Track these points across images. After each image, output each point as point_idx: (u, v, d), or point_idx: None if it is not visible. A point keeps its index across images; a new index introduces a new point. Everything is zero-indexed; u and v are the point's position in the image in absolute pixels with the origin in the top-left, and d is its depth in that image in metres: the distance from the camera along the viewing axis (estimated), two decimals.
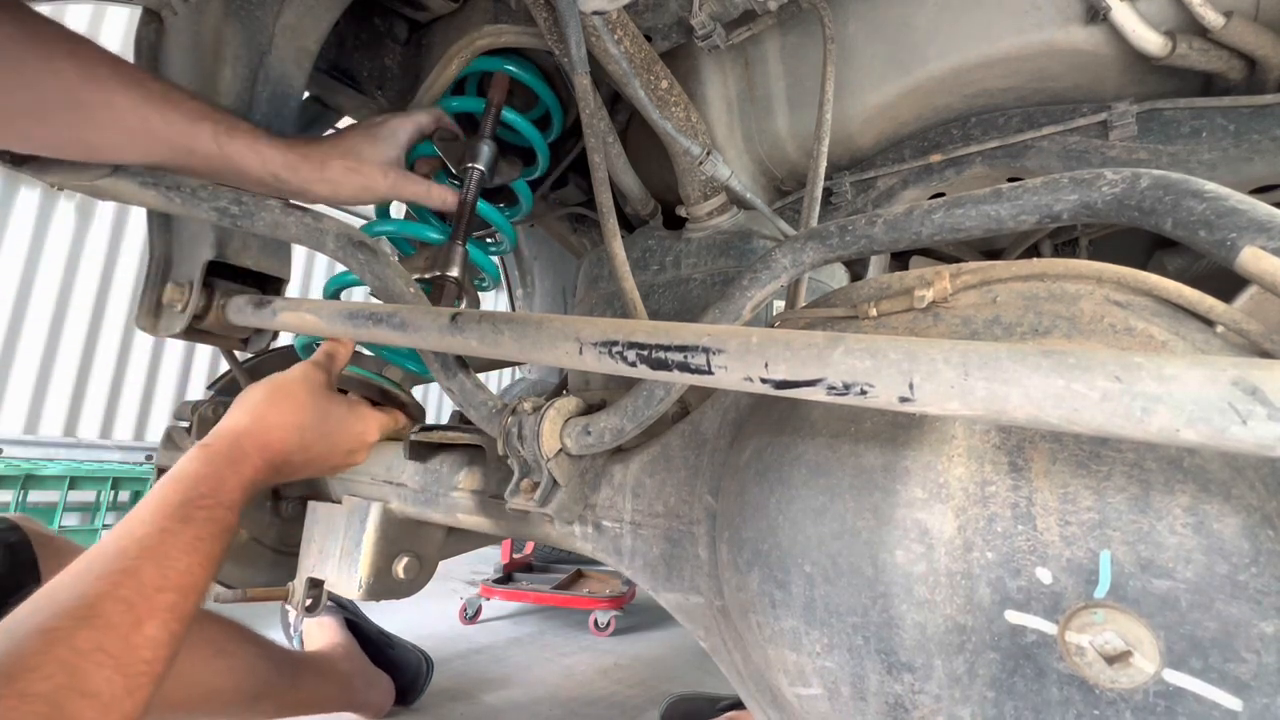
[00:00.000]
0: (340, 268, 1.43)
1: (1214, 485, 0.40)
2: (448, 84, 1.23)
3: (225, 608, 1.08)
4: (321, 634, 1.53)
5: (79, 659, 0.43)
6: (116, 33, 3.71)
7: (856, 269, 1.20)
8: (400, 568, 1.02)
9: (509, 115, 1.16)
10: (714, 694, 1.61)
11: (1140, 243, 1.24)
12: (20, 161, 0.79)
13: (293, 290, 1.38)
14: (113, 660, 0.45)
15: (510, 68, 1.17)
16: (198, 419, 1.28)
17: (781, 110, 1.14)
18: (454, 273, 1.04)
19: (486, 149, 1.09)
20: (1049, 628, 0.42)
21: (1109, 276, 0.50)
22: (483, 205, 1.13)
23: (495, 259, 1.61)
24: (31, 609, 0.46)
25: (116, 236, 3.83)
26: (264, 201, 0.85)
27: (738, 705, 1.50)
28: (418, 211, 1.26)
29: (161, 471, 1.28)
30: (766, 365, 0.46)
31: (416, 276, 1.02)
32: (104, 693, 0.43)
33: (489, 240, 1.50)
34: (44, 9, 0.69)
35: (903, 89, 1.03)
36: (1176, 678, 0.38)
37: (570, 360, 0.59)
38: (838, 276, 1.14)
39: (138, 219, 3.79)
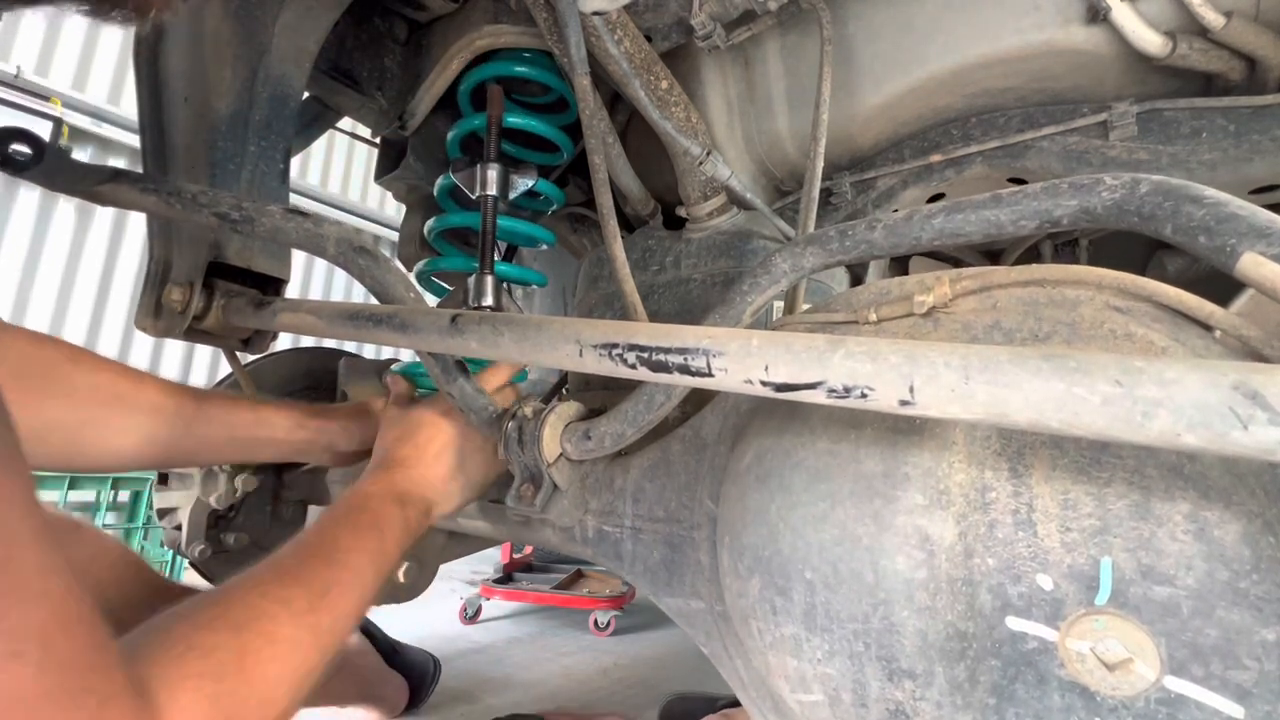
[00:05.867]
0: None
1: (1215, 492, 0.40)
2: (447, 83, 1.23)
3: None
4: None
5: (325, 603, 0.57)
6: (117, 31, 3.71)
7: (857, 270, 1.20)
8: (400, 572, 1.02)
9: (515, 120, 1.16)
10: (713, 694, 1.61)
11: (1140, 243, 1.24)
12: (20, 169, 0.79)
13: (292, 290, 1.38)
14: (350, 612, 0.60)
15: (519, 68, 1.16)
16: None
17: (781, 110, 1.14)
18: (488, 301, 1.04)
19: (494, 172, 1.09)
20: (1050, 634, 0.41)
21: (1109, 282, 0.50)
22: (508, 222, 1.14)
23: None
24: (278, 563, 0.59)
25: (116, 236, 3.84)
26: (264, 207, 0.85)
27: (736, 704, 1.50)
28: (444, 245, 1.28)
29: (162, 476, 1.28)
30: (767, 368, 0.46)
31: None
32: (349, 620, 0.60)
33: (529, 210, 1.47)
34: (45, 9, 0.70)
35: (903, 89, 1.03)
36: (1178, 685, 0.38)
37: (570, 362, 0.59)
38: (838, 278, 1.14)
39: (137, 219, 3.79)
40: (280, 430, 0.90)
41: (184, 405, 0.84)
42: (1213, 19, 0.80)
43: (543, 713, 1.37)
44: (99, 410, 0.78)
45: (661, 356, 0.52)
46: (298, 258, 4.55)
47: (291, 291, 1.22)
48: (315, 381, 1.44)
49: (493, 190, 1.08)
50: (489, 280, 1.05)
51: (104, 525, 3.31)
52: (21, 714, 0.31)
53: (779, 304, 0.98)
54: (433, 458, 0.81)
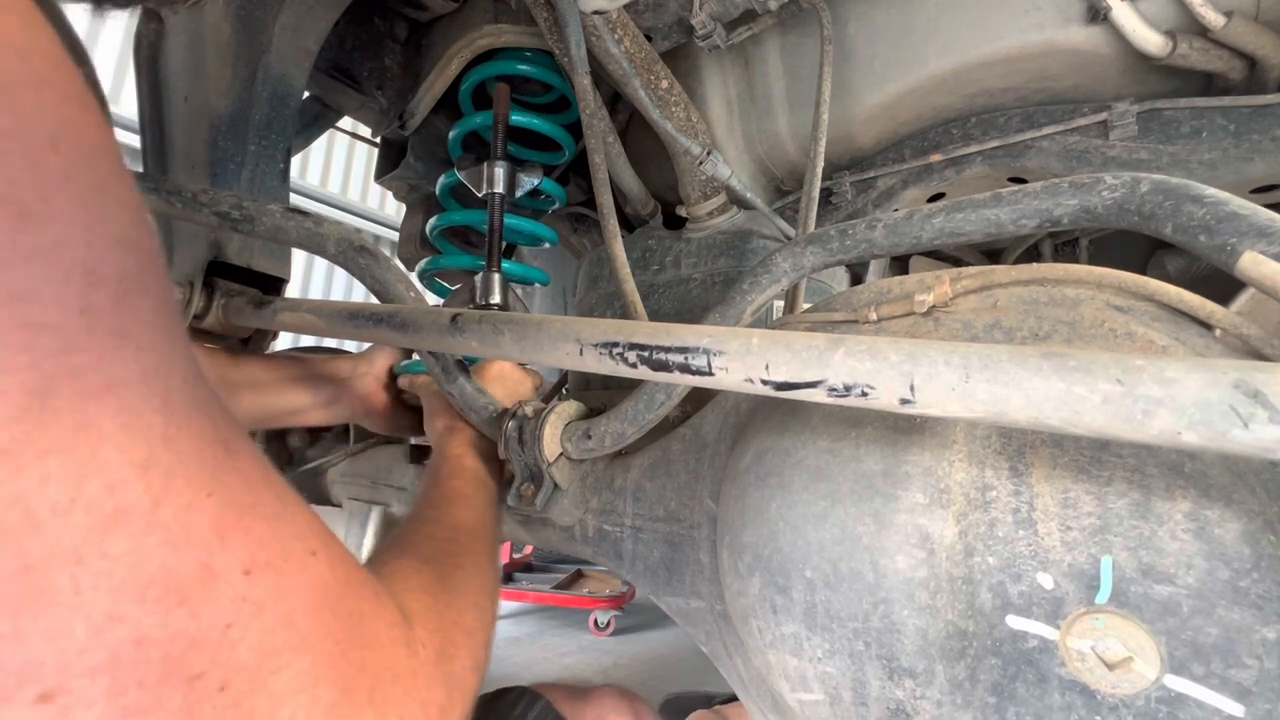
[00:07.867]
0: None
1: (1215, 490, 0.40)
2: (448, 83, 1.22)
3: None
4: None
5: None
6: (117, 31, 3.71)
7: (857, 270, 1.20)
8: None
9: (518, 119, 1.16)
10: (710, 691, 1.61)
11: (1140, 242, 1.24)
12: None
13: (292, 290, 1.38)
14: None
15: (521, 66, 1.16)
16: None
17: (781, 110, 1.14)
18: (495, 300, 1.04)
19: (500, 170, 1.09)
20: (1050, 633, 0.41)
21: (1109, 282, 0.50)
22: (513, 220, 1.14)
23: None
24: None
25: None
26: (265, 206, 0.85)
27: (734, 699, 1.50)
28: (445, 244, 1.28)
29: None
30: (768, 367, 0.46)
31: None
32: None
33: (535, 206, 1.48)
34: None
35: (903, 89, 1.03)
36: (1178, 683, 0.38)
37: (570, 361, 0.59)
38: (838, 276, 1.14)
39: None
40: (304, 402, 1.01)
41: (216, 376, 0.90)
42: (1213, 19, 0.80)
43: (534, 684, 1.37)
44: None
45: (662, 355, 0.52)
46: (298, 257, 4.55)
47: (291, 291, 1.22)
48: None
49: (500, 188, 1.08)
50: (496, 278, 1.05)
51: None
52: (335, 601, 0.34)
53: (779, 303, 0.98)
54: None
